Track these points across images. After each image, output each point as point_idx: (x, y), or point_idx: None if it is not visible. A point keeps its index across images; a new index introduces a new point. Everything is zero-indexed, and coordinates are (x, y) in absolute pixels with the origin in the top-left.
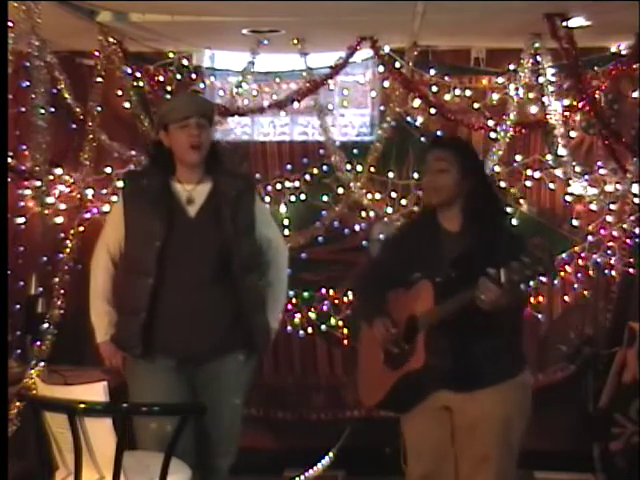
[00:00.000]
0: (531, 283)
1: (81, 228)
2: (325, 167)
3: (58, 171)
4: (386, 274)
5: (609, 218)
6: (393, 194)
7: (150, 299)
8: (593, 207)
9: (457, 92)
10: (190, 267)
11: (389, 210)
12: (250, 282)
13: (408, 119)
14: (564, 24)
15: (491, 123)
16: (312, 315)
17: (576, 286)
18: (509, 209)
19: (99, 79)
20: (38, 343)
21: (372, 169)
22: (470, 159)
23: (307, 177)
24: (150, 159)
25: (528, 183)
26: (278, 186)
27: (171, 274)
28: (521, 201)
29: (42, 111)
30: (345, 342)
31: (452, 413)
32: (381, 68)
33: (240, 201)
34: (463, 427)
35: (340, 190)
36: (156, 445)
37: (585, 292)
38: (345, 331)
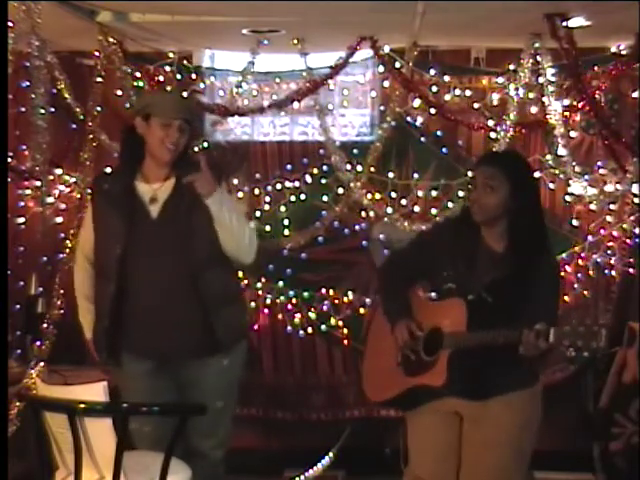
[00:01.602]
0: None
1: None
2: (325, 167)
3: (58, 171)
4: (415, 268)
5: (609, 218)
6: (393, 194)
7: (112, 305)
8: (593, 207)
9: (457, 92)
10: (155, 267)
11: (389, 210)
12: (214, 276)
13: (408, 119)
14: (564, 24)
15: (491, 123)
16: (312, 315)
17: (576, 286)
18: None
19: (99, 79)
20: (38, 343)
21: (372, 169)
22: (522, 177)
23: (307, 177)
24: (121, 146)
25: None
26: (278, 186)
27: (138, 276)
28: None
29: (42, 111)
30: (345, 342)
31: (463, 420)
32: (381, 68)
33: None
34: (476, 438)
35: (340, 190)
36: (137, 443)
37: (585, 292)
38: (345, 331)
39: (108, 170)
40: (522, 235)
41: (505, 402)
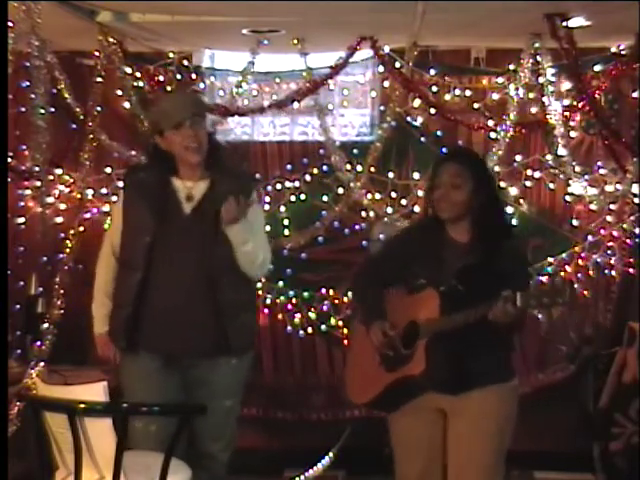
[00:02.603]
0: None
1: (81, 228)
2: (325, 167)
3: (58, 171)
4: (386, 274)
5: (609, 218)
6: (393, 194)
7: (137, 294)
8: (593, 207)
9: (457, 92)
10: (180, 264)
11: (389, 210)
12: (231, 282)
13: (408, 119)
14: (564, 24)
15: (491, 123)
16: (312, 315)
17: (576, 286)
18: (509, 209)
19: (99, 79)
20: (38, 343)
21: (372, 169)
22: (483, 174)
23: (307, 177)
24: (150, 159)
25: (528, 183)
26: (278, 186)
27: (161, 270)
28: (521, 201)
29: (42, 111)
30: (345, 342)
31: (446, 416)
32: (381, 68)
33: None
34: (456, 431)
35: (340, 190)
36: (143, 443)
37: (585, 292)
38: (345, 331)
39: (142, 162)
40: (487, 227)
41: (486, 394)
